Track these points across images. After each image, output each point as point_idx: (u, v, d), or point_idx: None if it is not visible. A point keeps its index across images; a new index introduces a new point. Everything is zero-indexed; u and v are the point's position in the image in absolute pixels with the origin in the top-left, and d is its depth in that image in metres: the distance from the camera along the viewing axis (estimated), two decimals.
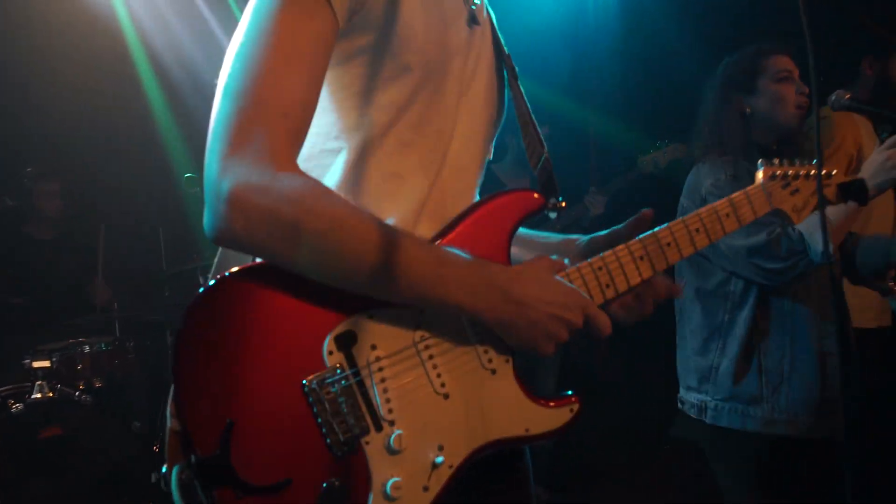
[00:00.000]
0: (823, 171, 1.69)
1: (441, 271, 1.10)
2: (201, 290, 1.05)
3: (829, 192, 1.68)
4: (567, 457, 4.38)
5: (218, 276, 1.05)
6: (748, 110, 2.42)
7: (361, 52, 1.16)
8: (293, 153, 1.08)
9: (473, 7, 1.32)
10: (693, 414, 2.41)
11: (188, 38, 4.92)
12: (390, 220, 1.17)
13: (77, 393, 3.69)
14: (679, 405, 2.52)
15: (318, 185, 1.08)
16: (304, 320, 1.09)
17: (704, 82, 2.63)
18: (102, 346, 4.04)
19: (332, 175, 1.20)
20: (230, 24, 5.31)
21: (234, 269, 1.07)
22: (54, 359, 3.73)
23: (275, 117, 1.04)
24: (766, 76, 2.42)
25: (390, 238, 1.06)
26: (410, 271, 1.07)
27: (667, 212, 1.51)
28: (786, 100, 2.39)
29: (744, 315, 2.31)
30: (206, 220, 1.05)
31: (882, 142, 2.17)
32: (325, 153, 1.21)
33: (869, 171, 2.13)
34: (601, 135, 5.37)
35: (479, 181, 1.37)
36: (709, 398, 2.37)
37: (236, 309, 1.05)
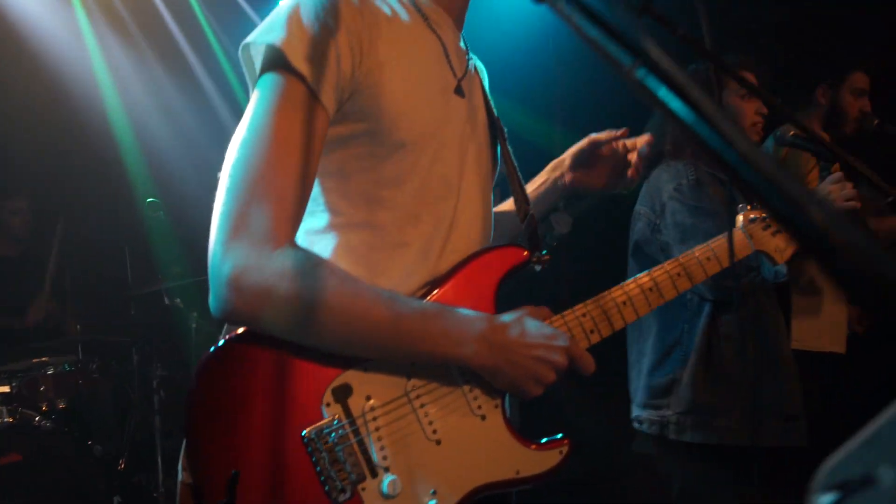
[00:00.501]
0: None
1: (427, 326, 1.18)
2: (210, 351, 1.14)
3: None
4: None
5: (223, 339, 1.15)
6: None
7: (356, 135, 1.24)
8: (290, 232, 1.16)
9: (460, 77, 1.39)
10: (654, 431, 2.40)
11: (155, 62, 4.91)
12: (398, 287, 1.26)
13: (38, 417, 3.64)
14: (636, 425, 2.51)
15: (311, 261, 1.15)
16: (304, 375, 1.17)
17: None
18: (66, 366, 3.99)
19: (338, 248, 1.27)
20: (198, 47, 5.30)
21: (238, 331, 1.16)
22: (14, 383, 3.68)
23: (270, 202, 1.12)
24: (729, 90, 2.48)
25: (379, 304, 1.16)
26: (398, 332, 1.16)
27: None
28: (745, 117, 2.46)
29: (701, 324, 2.33)
30: (211, 301, 1.14)
31: (823, 178, 2.28)
32: (330, 227, 1.28)
33: None
34: (566, 146, 5.47)
35: (489, 234, 1.45)
36: (670, 412, 2.36)
37: (241, 369, 1.15)
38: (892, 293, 0.41)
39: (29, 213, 4.38)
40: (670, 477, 2.45)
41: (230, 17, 5.65)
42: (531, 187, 1.73)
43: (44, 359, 3.94)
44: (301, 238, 1.28)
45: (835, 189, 2.21)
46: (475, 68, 1.49)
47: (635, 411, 2.51)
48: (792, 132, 2.39)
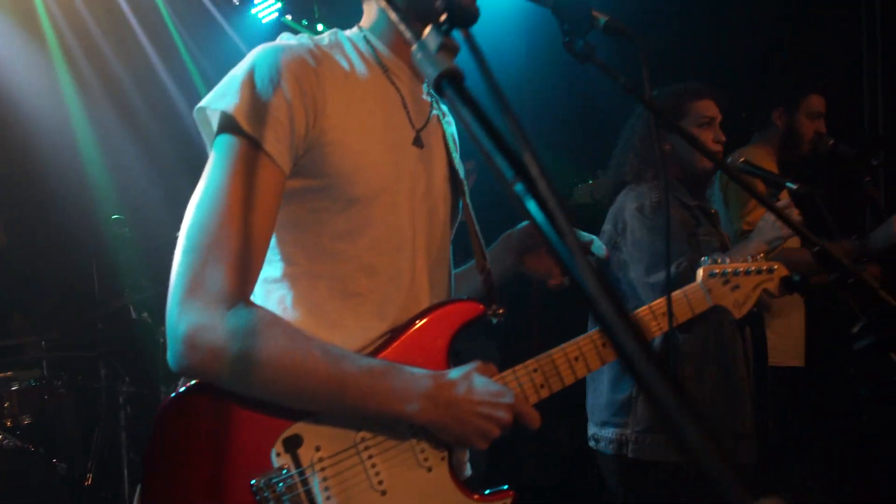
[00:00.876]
0: (767, 266, 1.82)
1: (373, 384, 1.22)
2: (168, 399, 1.19)
3: (773, 285, 1.82)
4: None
5: (179, 391, 1.21)
6: (668, 147, 2.54)
7: (311, 189, 1.28)
8: (244, 291, 1.20)
9: (419, 128, 1.42)
10: (611, 450, 2.43)
11: (122, 79, 4.89)
12: (353, 338, 1.30)
13: (1, 435, 3.60)
14: (592, 443, 2.53)
15: (263, 320, 1.19)
16: (256, 426, 1.22)
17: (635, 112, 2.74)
18: (32, 381, 3.96)
19: (293, 298, 1.32)
20: (168, 62, 5.28)
21: (193, 383, 1.21)
22: None
23: (225, 263, 1.17)
24: (689, 119, 2.54)
25: (327, 363, 1.20)
26: (345, 390, 1.20)
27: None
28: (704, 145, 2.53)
29: (657, 341, 2.34)
30: (168, 356, 1.19)
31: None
32: (286, 277, 1.32)
33: (762, 231, 2.30)
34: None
35: (447, 285, 1.48)
36: (629, 431, 2.38)
37: (197, 417, 1.21)
38: None
39: (6, 230, 4.32)
40: (620, 495, 2.47)
41: (202, 32, 5.64)
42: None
43: (8, 374, 3.91)
44: (259, 286, 1.32)
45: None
46: (440, 116, 1.52)
47: (592, 429, 2.54)
48: (742, 159, 2.46)
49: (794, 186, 2.34)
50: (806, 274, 2.09)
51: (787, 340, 3.17)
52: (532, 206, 0.52)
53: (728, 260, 1.80)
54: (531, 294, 5.55)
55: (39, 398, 3.97)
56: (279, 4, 6.01)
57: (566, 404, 2.69)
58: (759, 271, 1.81)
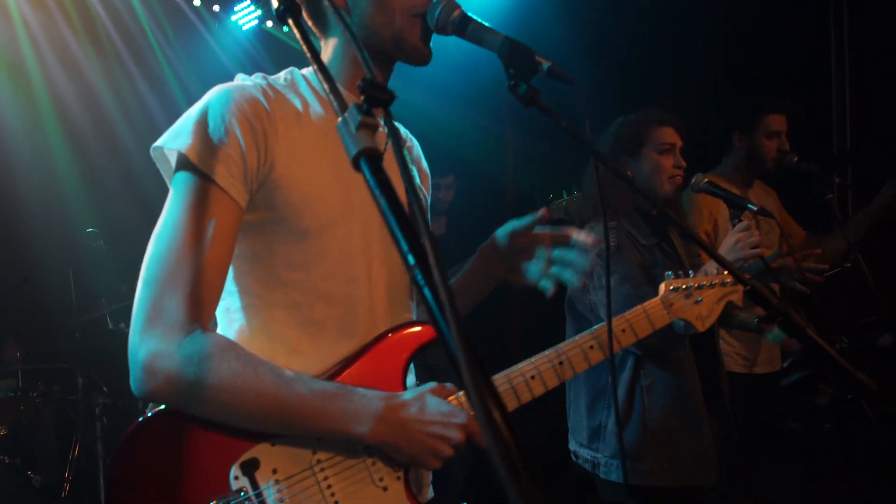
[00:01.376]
0: (731, 279, 1.86)
1: (326, 407, 1.26)
2: (133, 424, 1.25)
3: (737, 297, 1.87)
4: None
5: (141, 418, 1.27)
6: (630, 174, 2.59)
7: (265, 223, 1.34)
8: (201, 319, 1.25)
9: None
10: (587, 468, 2.54)
11: (99, 91, 4.90)
12: (312, 364, 1.35)
13: None
14: (573, 458, 2.63)
15: (217, 345, 1.24)
16: (216, 449, 1.27)
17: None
18: (8, 392, 3.97)
19: (254, 327, 1.37)
20: (146, 75, 5.29)
21: (161, 406, 1.26)
22: None
23: (183, 293, 1.24)
24: (650, 145, 2.58)
25: (280, 386, 1.25)
26: (298, 412, 1.25)
27: None
28: (664, 171, 2.57)
29: (625, 376, 2.46)
30: (131, 382, 1.25)
31: (734, 225, 2.41)
32: (247, 307, 1.38)
33: (723, 252, 2.36)
34: (518, 179, 5.61)
35: (405, 309, 1.52)
36: (599, 455, 2.48)
37: (159, 442, 1.27)
38: None
39: None
40: None
41: (181, 40, 5.65)
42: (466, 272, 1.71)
43: None
44: (222, 316, 1.40)
45: (742, 237, 2.33)
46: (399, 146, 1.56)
47: (572, 445, 2.63)
48: (706, 179, 2.52)
49: (754, 208, 2.39)
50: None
51: (760, 347, 3.23)
52: (427, 292, 0.57)
53: (692, 274, 1.84)
54: (510, 303, 5.61)
55: (16, 409, 3.99)
56: (259, 12, 6.04)
57: (546, 412, 2.76)
58: (723, 284, 1.85)
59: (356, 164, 0.70)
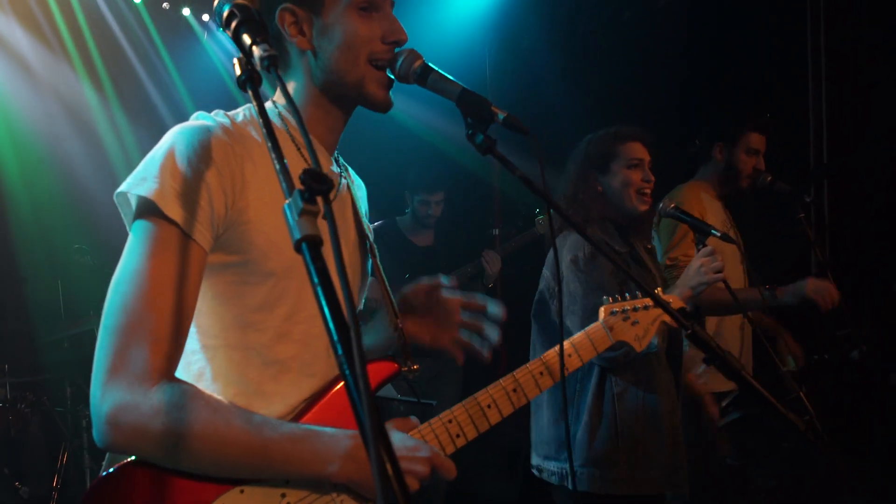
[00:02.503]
0: (665, 301, 1.94)
1: (294, 449, 1.27)
2: (99, 477, 1.24)
3: (669, 317, 1.95)
4: None
5: (109, 469, 1.25)
6: (600, 188, 2.65)
7: (229, 265, 1.34)
8: (166, 369, 1.24)
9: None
10: (554, 481, 2.55)
11: (86, 109, 4.93)
12: (275, 405, 1.37)
13: None
14: (535, 473, 2.65)
15: (185, 396, 1.23)
16: (185, 497, 1.26)
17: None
18: None
19: (213, 369, 1.37)
20: (129, 92, 5.32)
21: (125, 461, 1.25)
22: None
23: (147, 342, 1.21)
24: (620, 160, 2.65)
25: (248, 432, 1.25)
26: (267, 456, 1.26)
27: None
28: (632, 185, 2.63)
29: (592, 383, 2.51)
30: (94, 435, 1.23)
31: (698, 249, 2.49)
32: (205, 348, 1.38)
33: (687, 276, 2.43)
34: (504, 189, 5.68)
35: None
36: (567, 465, 2.49)
37: (128, 492, 1.24)
38: None
39: None
40: None
41: (172, 51, 5.69)
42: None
43: None
44: (183, 358, 1.33)
45: (705, 262, 2.41)
46: (348, 186, 1.61)
47: (535, 461, 2.66)
48: (672, 205, 2.59)
49: (717, 234, 2.47)
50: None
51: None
52: (348, 375, 0.64)
53: (627, 297, 1.93)
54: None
55: (4, 420, 4.04)
56: None
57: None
58: (646, 308, 1.94)
59: (297, 249, 0.76)
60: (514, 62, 5.41)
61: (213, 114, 1.42)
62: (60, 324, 4.42)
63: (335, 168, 1.57)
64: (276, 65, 1.00)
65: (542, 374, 1.65)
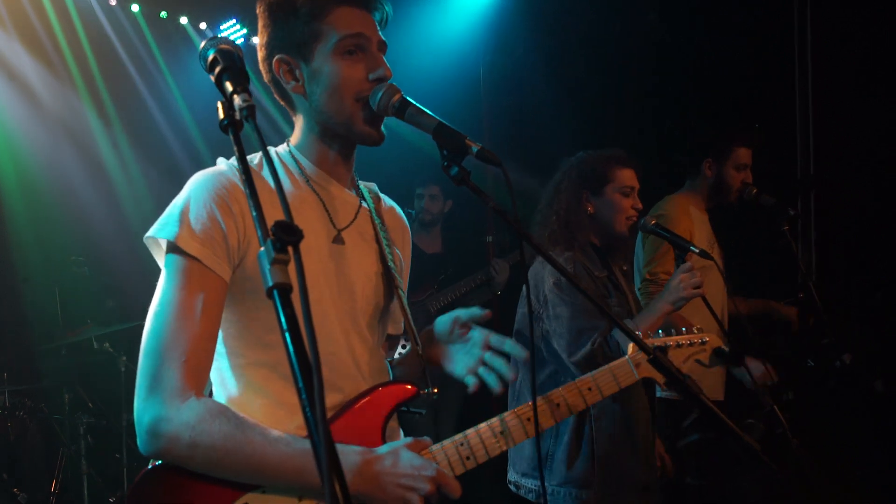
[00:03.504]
0: (699, 339, 1.99)
1: (307, 463, 1.39)
2: (139, 477, 1.45)
3: (704, 356, 1.98)
4: None
5: (145, 470, 1.45)
6: (591, 210, 2.72)
7: (247, 291, 1.51)
8: (196, 386, 1.41)
9: (341, 228, 1.62)
10: (531, 498, 2.63)
11: (82, 121, 4.99)
12: (298, 414, 1.44)
13: None
14: (513, 489, 2.72)
15: (211, 411, 1.40)
16: (210, 498, 1.42)
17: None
18: None
19: (243, 384, 1.53)
20: (126, 106, 5.37)
21: (156, 464, 1.44)
22: None
23: (178, 363, 1.39)
24: (613, 185, 2.72)
25: (266, 445, 1.39)
26: (283, 468, 1.40)
27: None
28: (623, 211, 2.71)
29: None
30: (139, 443, 1.42)
31: (678, 265, 2.56)
32: (236, 367, 1.55)
33: (667, 292, 2.50)
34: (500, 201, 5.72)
35: (379, 367, 1.67)
36: (546, 483, 2.57)
37: (163, 491, 1.43)
38: None
39: None
40: None
41: (170, 60, 5.76)
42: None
43: None
44: (216, 376, 1.56)
45: (685, 278, 2.48)
46: (371, 212, 1.70)
47: (513, 476, 2.73)
48: (653, 221, 2.66)
49: (696, 250, 2.54)
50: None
51: (705, 376, 3.38)
52: (309, 417, 0.71)
53: (661, 333, 1.95)
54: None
55: (3, 426, 4.11)
56: (245, 30, 6.17)
57: None
58: (691, 344, 1.96)
59: (269, 296, 0.83)
60: (507, 69, 5.48)
61: (230, 159, 1.57)
62: (58, 332, 4.48)
63: (353, 199, 1.67)
64: (254, 115, 1.08)
65: (558, 405, 1.68)
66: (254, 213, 0.93)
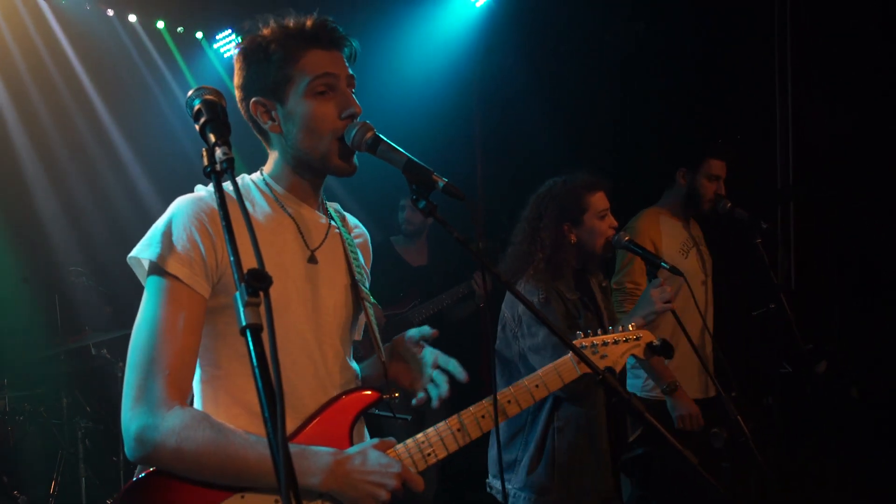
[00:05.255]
0: (634, 335, 2.14)
1: None
2: (130, 482, 1.55)
3: (639, 350, 2.14)
4: None
5: (134, 478, 1.54)
6: (574, 240, 2.82)
7: (224, 306, 1.61)
8: (180, 395, 1.52)
9: (314, 248, 1.75)
10: (499, 499, 2.77)
11: (79, 130, 5.10)
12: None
13: None
14: (489, 489, 2.87)
15: (194, 418, 1.51)
16: (196, 500, 1.53)
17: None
18: None
19: (221, 394, 1.63)
20: (119, 115, 5.46)
21: (148, 470, 1.53)
22: None
23: (162, 375, 1.50)
24: (591, 212, 2.83)
25: (247, 448, 1.51)
26: (261, 470, 1.50)
27: None
28: (602, 234, 2.82)
29: (542, 417, 2.69)
30: (126, 450, 1.52)
31: (649, 280, 2.68)
32: (215, 378, 1.65)
33: (639, 306, 2.62)
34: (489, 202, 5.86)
35: (348, 376, 1.79)
36: (510, 486, 2.71)
37: (151, 497, 1.52)
38: None
39: None
40: None
41: (167, 70, 5.86)
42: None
43: None
44: (197, 386, 1.66)
45: (655, 293, 2.60)
46: (340, 233, 1.83)
47: (489, 477, 2.87)
48: (627, 237, 2.78)
49: (667, 266, 2.66)
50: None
51: (684, 375, 3.50)
52: (273, 446, 0.83)
53: (599, 332, 2.11)
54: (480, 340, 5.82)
55: (3, 430, 4.22)
56: (240, 39, 6.27)
57: None
58: (626, 340, 2.12)
59: (242, 334, 0.96)
60: (498, 81, 5.60)
61: (209, 185, 1.68)
62: (58, 339, 4.59)
63: (322, 221, 1.80)
64: (233, 167, 1.20)
65: (509, 402, 1.86)
66: (231, 259, 1.05)
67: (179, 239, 1.56)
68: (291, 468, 0.82)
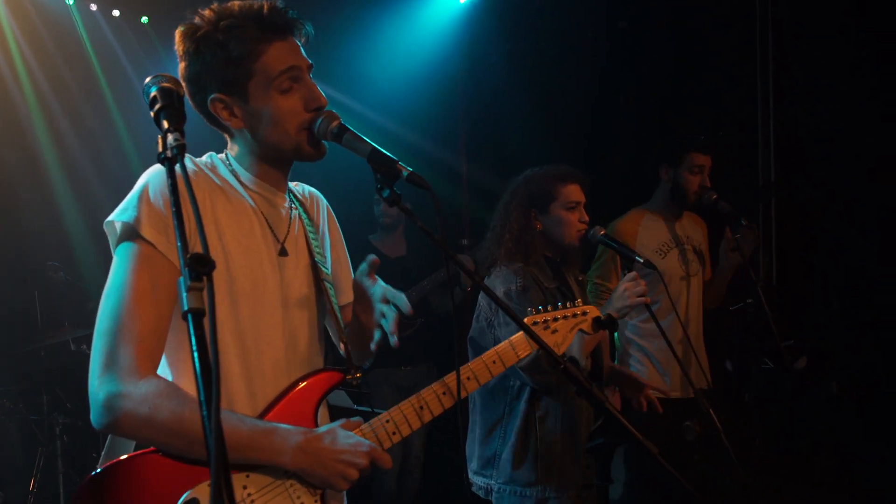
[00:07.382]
0: (581, 310, 2.15)
1: (256, 439, 1.52)
2: (88, 476, 1.48)
3: (586, 325, 2.15)
4: None
5: (99, 468, 1.49)
6: (539, 227, 2.84)
7: None
8: (150, 365, 1.49)
9: (283, 240, 1.74)
10: (481, 495, 2.77)
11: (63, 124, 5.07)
12: (241, 404, 1.60)
13: None
14: (472, 487, 2.85)
15: (166, 388, 1.48)
16: (162, 489, 1.49)
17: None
18: None
19: (187, 373, 1.58)
20: (98, 111, 5.44)
21: (113, 461, 1.48)
22: None
23: (132, 343, 1.46)
24: (559, 202, 2.83)
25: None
26: (232, 443, 1.45)
27: None
28: (570, 225, 2.83)
29: (521, 407, 2.70)
30: (92, 418, 1.49)
31: (624, 274, 2.68)
32: (186, 359, 1.59)
33: (612, 300, 2.62)
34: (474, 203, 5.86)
35: (316, 357, 1.80)
36: (493, 482, 2.71)
37: (115, 486, 1.48)
38: None
39: None
40: None
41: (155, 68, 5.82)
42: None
43: None
44: (170, 366, 1.61)
45: (629, 286, 2.59)
46: (300, 217, 1.81)
47: (470, 474, 2.86)
48: (602, 231, 2.79)
49: (641, 260, 2.66)
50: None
51: (666, 373, 3.51)
52: (207, 432, 0.82)
53: (549, 308, 2.12)
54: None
55: None
56: None
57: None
58: (574, 315, 2.13)
59: (184, 318, 0.95)
60: (483, 75, 5.60)
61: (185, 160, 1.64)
62: (37, 334, 4.56)
63: (286, 205, 1.79)
64: (183, 154, 1.19)
65: (468, 378, 1.86)
66: (178, 244, 1.04)
67: (155, 204, 1.53)
68: (224, 452, 0.82)
